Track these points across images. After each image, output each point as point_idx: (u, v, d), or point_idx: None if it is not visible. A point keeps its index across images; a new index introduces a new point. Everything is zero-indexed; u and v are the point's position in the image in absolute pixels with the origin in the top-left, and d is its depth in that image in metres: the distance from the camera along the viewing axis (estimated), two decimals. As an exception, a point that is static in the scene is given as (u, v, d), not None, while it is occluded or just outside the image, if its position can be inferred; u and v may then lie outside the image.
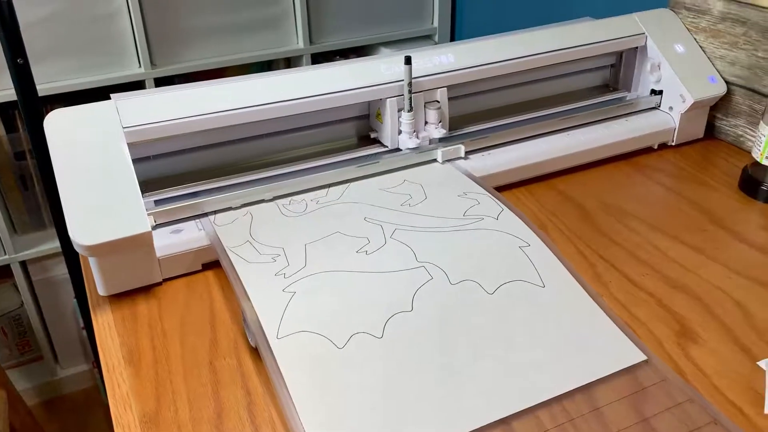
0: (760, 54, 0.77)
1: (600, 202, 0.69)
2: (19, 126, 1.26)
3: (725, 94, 0.80)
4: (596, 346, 0.48)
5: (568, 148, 0.74)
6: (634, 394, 0.45)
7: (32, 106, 0.91)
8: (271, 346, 0.46)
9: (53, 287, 1.40)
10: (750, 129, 0.79)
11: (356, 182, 0.67)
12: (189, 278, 0.59)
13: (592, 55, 0.80)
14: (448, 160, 0.71)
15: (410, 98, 0.69)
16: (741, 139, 0.81)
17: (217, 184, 0.65)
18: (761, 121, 0.69)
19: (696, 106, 0.78)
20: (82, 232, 0.52)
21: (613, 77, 0.88)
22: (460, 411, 0.43)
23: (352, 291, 0.52)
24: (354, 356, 0.46)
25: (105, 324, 0.54)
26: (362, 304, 0.50)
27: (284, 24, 1.32)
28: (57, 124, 0.58)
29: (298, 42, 1.35)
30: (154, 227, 0.59)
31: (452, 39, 1.51)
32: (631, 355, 0.47)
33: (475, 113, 0.80)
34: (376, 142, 0.73)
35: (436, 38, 1.49)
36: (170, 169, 0.67)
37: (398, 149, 0.71)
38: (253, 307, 0.50)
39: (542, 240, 0.57)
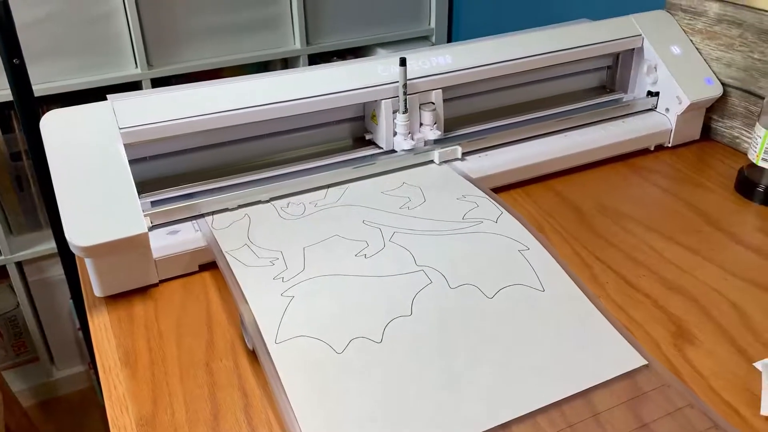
0: (756, 56, 0.77)
1: (597, 203, 0.69)
2: (15, 126, 1.25)
3: (721, 96, 0.80)
4: (596, 350, 0.48)
5: (565, 149, 0.75)
6: (633, 398, 0.44)
7: (28, 107, 0.91)
8: (269, 351, 0.46)
9: (49, 288, 1.40)
10: (746, 130, 0.80)
11: (355, 185, 0.67)
12: (185, 279, 0.59)
13: (588, 56, 0.80)
14: (445, 162, 0.71)
15: (405, 100, 0.69)
16: (737, 140, 0.81)
17: (213, 185, 0.65)
18: (757, 123, 0.69)
19: (692, 107, 0.78)
20: (78, 234, 0.52)
21: (609, 79, 0.88)
22: (460, 416, 0.43)
23: (351, 295, 0.51)
24: (353, 361, 0.46)
25: (101, 325, 0.53)
26: (361, 309, 0.50)
27: (281, 25, 1.32)
28: (53, 124, 0.58)
29: (295, 43, 1.34)
30: (151, 228, 0.59)
31: (449, 40, 1.51)
32: (632, 359, 0.47)
33: (472, 114, 0.80)
34: (371, 143, 0.73)
35: (433, 39, 1.49)
36: (166, 170, 0.67)
37: (393, 151, 0.71)
38: (251, 311, 0.49)
39: (542, 243, 0.57)
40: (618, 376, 0.46)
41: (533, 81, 0.83)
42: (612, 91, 0.87)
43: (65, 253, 1.05)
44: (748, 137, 0.80)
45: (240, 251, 0.56)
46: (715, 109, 0.83)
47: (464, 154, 0.72)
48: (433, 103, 0.72)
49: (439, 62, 0.72)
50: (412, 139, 0.70)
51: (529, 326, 0.49)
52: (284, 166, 0.68)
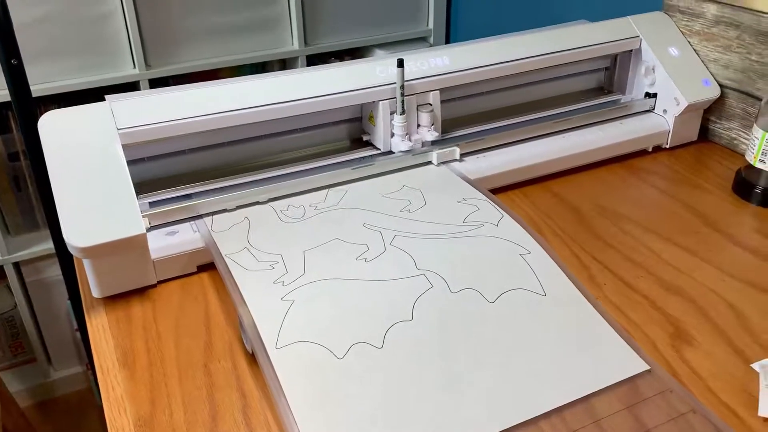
0: (753, 57, 0.77)
1: (594, 204, 0.70)
2: (13, 127, 1.25)
3: (719, 97, 0.80)
4: (598, 355, 0.47)
5: (563, 150, 0.75)
6: (635, 404, 0.44)
7: (26, 107, 0.91)
8: (270, 356, 0.46)
9: (46, 289, 1.39)
10: (743, 132, 0.80)
11: (355, 188, 0.66)
12: (184, 280, 0.59)
13: (586, 57, 0.80)
14: (443, 163, 0.71)
15: (402, 101, 0.69)
16: (735, 141, 0.81)
17: (211, 186, 0.65)
18: (754, 124, 0.69)
19: (690, 109, 0.78)
20: (76, 234, 0.52)
21: (607, 80, 0.88)
22: (461, 422, 0.42)
23: (352, 300, 0.51)
24: (354, 367, 0.46)
25: (99, 326, 0.53)
26: (362, 314, 0.50)
27: (279, 25, 1.32)
28: (51, 125, 0.58)
29: (293, 43, 1.34)
30: (149, 229, 0.59)
31: (447, 41, 1.52)
32: (634, 364, 0.47)
33: (470, 116, 0.80)
34: (369, 144, 0.73)
35: (431, 40, 1.49)
36: (165, 170, 0.67)
37: (391, 152, 0.71)
38: (251, 316, 0.49)
39: (543, 247, 0.56)
40: (619, 381, 0.45)
41: (531, 82, 0.83)
42: (610, 92, 0.87)
43: (63, 254, 1.05)
44: (745, 139, 0.80)
45: (240, 255, 0.56)
46: (712, 110, 0.83)
47: (462, 155, 0.72)
48: (431, 105, 0.72)
49: (436, 63, 0.72)
50: (410, 140, 0.70)
51: (531, 331, 0.49)
52: (282, 167, 0.68)
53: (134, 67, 1.22)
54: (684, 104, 0.78)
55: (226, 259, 0.55)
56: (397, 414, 0.43)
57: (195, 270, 0.59)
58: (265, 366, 0.46)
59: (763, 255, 0.61)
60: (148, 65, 1.23)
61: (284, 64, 1.39)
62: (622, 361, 0.47)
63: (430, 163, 0.71)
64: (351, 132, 0.75)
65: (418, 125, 0.72)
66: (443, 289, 0.52)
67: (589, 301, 0.52)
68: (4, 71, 0.88)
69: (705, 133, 0.84)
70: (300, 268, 0.54)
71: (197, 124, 0.62)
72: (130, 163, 0.58)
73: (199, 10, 1.23)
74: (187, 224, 0.61)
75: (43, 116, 0.58)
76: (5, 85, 0.89)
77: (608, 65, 0.87)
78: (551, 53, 0.77)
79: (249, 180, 0.66)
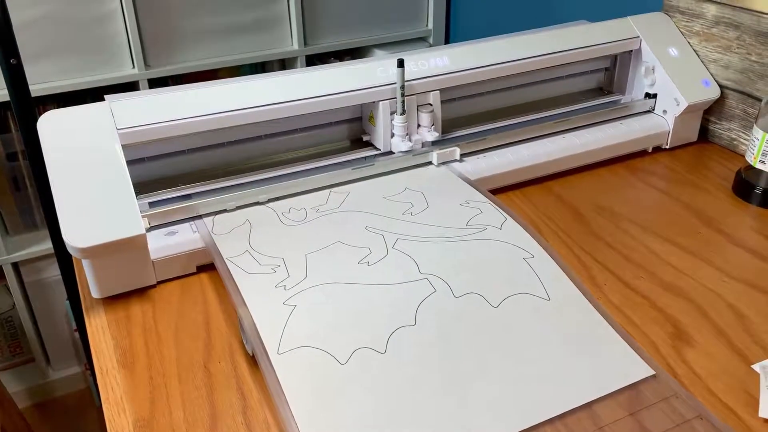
0: (753, 58, 0.77)
1: (594, 204, 0.70)
2: (12, 126, 1.25)
3: (719, 98, 0.80)
4: (603, 360, 0.47)
5: (563, 150, 0.75)
6: (640, 410, 0.44)
7: (25, 107, 0.90)
8: (272, 361, 0.46)
9: (45, 289, 1.39)
10: (743, 132, 0.80)
11: (356, 190, 0.66)
12: (183, 280, 0.58)
13: (586, 58, 0.80)
14: (444, 163, 0.70)
15: (403, 101, 0.69)
16: (734, 142, 0.81)
17: (211, 186, 0.65)
18: (754, 125, 0.69)
19: (690, 109, 0.78)
20: (75, 235, 0.52)
21: (607, 80, 0.88)
22: (465, 428, 0.42)
23: (354, 304, 0.51)
24: (357, 372, 0.45)
25: (98, 327, 0.53)
26: (364, 318, 0.49)
27: (279, 25, 1.32)
28: (51, 125, 0.58)
29: (292, 43, 1.34)
30: (149, 229, 0.59)
31: (447, 41, 1.52)
32: (639, 369, 0.46)
33: (470, 116, 0.80)
34: (369, 144, 0.73)
35: (431, 40, 1.49)
36: (164, 170, 0.67)
37: (391, 152, 0.71)
38: (253, 320, 0.49)
39: (546, 251, 0.56)
40: (624, 387, 0.45)
41: (531, 82, 0.83)
42: (610, 92, 0.87)
43: (62, 254, 1.05)
44: (745, 139, 0.80)
45: (241, 258, 0.56)
46: (712, 111, 0.83)
47: (462, 155, 0.72)
48: (431, 105, 0.72)
49: (436, 63, 0.72)
50: (410, 140, 0.70)
51: (535, 336, 0.48)
52: (282, 168, 0.68)
53: (133, 67, 1.22)
54: (684, 105, 0.78)
55: (228, 262, 0.55)
56: (400, 419, 0.42)
57: (194, 270, 0.59)
58: (267, 371, 0.45)
59: (763, 255, 0.61)
60: (147, 65, 1.23)
61: (284, 64, 1.39)
62: (627, 367, 0.47)
63: (430, 163, 0.71)
64: (351, 132, 0.75)
65: (419, 125, 0.72)
66: (446, 293, 0.52)
67: (593, 305, 0.51)
68: (3, 71, 0.88)
69: (705, 134, 0.84)
70: (302, 272, 0.54)
71: (197, 124, 0.62)
72: (129, 163, 0.58)
73: (198, 10, 1.23)
74: (186, 224, 0.61)
75: (42, 116, 0.58)
76: (4, 85, 0.89)
77: (608, 65, 0.87)
78: (551, 53, 0.77)
79: (249, 180, 0.66)
